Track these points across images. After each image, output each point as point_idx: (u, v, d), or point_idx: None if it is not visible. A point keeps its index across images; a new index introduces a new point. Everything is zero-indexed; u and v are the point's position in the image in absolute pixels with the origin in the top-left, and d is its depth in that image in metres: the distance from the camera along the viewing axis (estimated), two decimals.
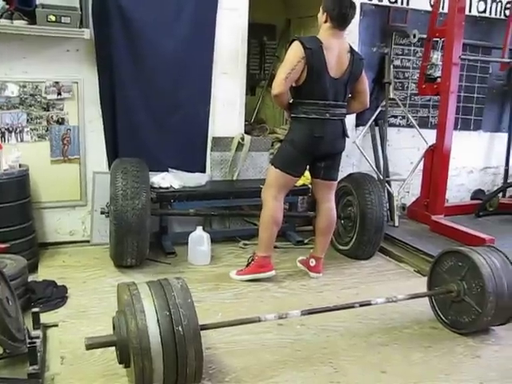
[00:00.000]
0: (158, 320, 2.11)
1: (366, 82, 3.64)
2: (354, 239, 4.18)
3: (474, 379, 2.57)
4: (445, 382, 2.53)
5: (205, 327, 2.35)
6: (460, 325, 2.99)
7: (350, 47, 3.51)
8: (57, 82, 3.89)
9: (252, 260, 3.67)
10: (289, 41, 3.53)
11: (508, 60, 5.10)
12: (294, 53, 3.32)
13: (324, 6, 3.43)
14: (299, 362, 2.64)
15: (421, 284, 3.34)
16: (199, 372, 2.21)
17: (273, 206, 3.54)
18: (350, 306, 2.84)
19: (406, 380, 2.52)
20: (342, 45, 3.47)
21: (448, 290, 3.00)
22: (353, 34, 4.76)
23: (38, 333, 2.64)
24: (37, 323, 2.67)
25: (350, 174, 4.39)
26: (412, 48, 5.21)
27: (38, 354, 2.43)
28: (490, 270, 2.87)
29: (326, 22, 3.43)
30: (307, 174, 3.94)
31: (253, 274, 3.63)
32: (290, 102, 3.51)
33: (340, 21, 3.40)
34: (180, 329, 2.10)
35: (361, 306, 2.84)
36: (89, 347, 2.20)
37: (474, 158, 5.85)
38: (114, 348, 2.27)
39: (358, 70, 3.52)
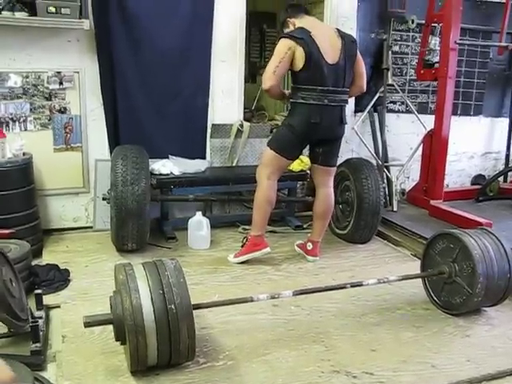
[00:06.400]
0: (151, 298, 2.19)
1: (362, 65, 3.64)
2: (351, 223, 4.23)
3: (461, 357, 2.61)
4: (433, 360, 2.56)
5: (198, 306, 2.44)
6: (452, 306, 3.02)
7: (338, 30, 3.55)
8: (59, 72, 3.97)
9: (246, 241, 3.74)
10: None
11: (505, 44, 5.08)
12: (282, 46, 3.38)
13: (283, 21, 3.64)
14: (292, 340, 2.70)
15: (416, 267, 3.35)
16: (192, 349, 2.30)
17: (266, 186, 3.60)
18: (342, 287, 2.88)
19: (395, 358, 2.57)
20: (328, 30, 3.54)
21: (440, 271, 3.03)
22: (351, 21, 4.81)
23: (41, 313, 2.75)
24: (40, 304, 2.78)
25: (348, 160, 4.42)
26: (410, 34, 5.21)
27: (41, 333, 2.54)
28: (480, 252, 2.88)
29: (294, 23, 3.54)
30: (306, 160, 3.99)
31: (248, 254, 3.69)
32: (290, 87, 3.56)
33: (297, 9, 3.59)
34: (173, 307, 2.19)
35: (352, 286, 2.89)
36: (87, 325, 2.29)
37: (474, 144, 5.86)
38: (112, 327, 2.35)
39: (353, 53, 3.53)
